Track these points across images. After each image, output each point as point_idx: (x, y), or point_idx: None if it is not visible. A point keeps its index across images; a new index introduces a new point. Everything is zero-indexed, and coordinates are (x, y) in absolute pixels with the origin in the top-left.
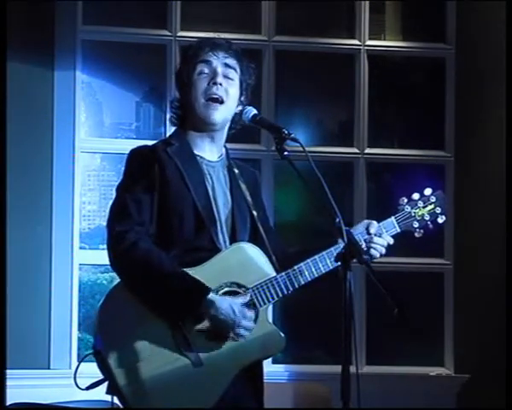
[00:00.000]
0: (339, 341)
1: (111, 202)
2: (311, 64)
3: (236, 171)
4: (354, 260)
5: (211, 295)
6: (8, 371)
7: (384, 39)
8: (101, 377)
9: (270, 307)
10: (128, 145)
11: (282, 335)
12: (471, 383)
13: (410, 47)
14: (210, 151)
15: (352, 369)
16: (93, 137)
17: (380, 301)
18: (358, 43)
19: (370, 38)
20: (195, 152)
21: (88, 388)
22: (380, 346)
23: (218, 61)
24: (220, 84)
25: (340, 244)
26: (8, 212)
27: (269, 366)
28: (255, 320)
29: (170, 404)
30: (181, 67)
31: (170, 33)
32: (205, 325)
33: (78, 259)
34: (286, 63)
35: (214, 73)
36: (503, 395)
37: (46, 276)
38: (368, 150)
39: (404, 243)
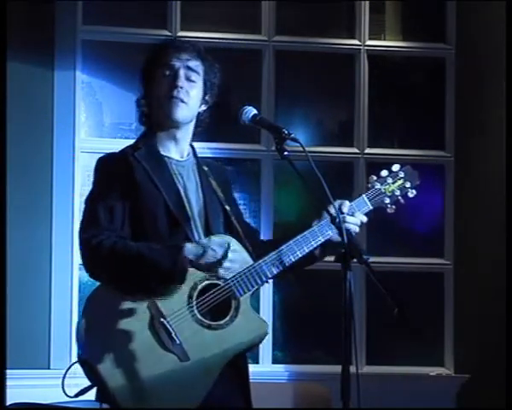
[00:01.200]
0: (339, 341)
1: (82, 213)
2: (311, 64)
3: (206, 168)
4: (354, 260)
5: (187, 245)
6: (8, 371)
7: (384, 39)
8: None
9: (270, 306)
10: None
11: (265, 321)
12: (471, 383)
13: (410, 47)
14: (176, 151)
15: (352, 369)
16: (93, 137)
17: (380, 301)
18: (358, 43)
19: (370, 38)
20: (163, 153)
21: (76, 395)
22: (380, 346)
23: (181, 63)
24: (181, 87)
25: (315, 227)
26: (9, 212)
27: (269, 366)
28: (237, 310)
29: (161, 402)
30: (145, 67)
31: (170, 33)
32: (188, 312)
33: (78, 259)
34: (286, 63)
35: (176, 76)
36: (503, 395)
37: (46, 276)
38: (368, 150)
39: (404, 243)
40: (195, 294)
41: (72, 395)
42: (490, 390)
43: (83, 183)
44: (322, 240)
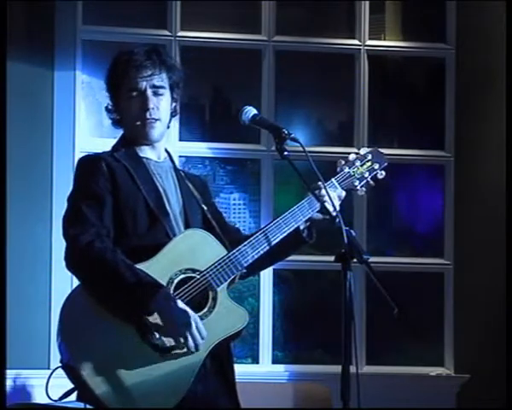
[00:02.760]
0: (339, 341)
1: (63, 213)
2: (311, 64)
3: (183, 174)
4: (354, 260)
5: (164, 296)
6: (8, 371)
7: (384, 39)
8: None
9: (270, 306)
10: None
11: (244, 310)
12: (471, 383)
13: (410, 47)
14: (153, 153)
15: (352, 369)
16: (93, 137)
17: (380, 301)
18: (358, 43)
19: (370, 38)
20: (141, 155)
21: (61, 398)
22: (380, 346)
23: (147, 83)
24: (152, 108)
25: (287, 214)
26: (9, 212)
27: (269, 366)
28: (214, 301)
29: (143, 396)
30: (109, 82)
31: (170, 33)
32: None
33: None
34: (286, 63)
35: (144, 98)
36: (503, 395)
37: (46, 276)
38: None
39: (404, 243)
40: (172, 288)
41: (56, 398)
42: (490, 390)
43: None
44: (296, 225)
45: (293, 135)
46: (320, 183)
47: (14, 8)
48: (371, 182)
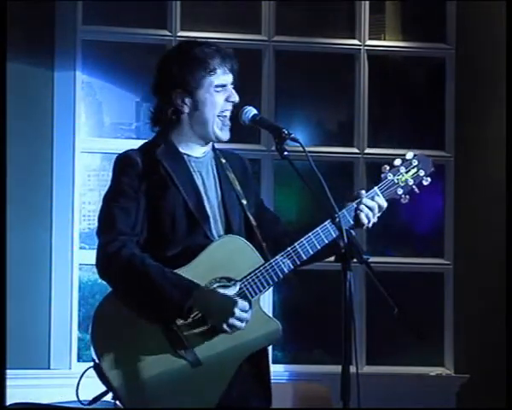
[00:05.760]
0: (339, 341)
1: (99, 211)
2: (311, 64)
3: (224, 161)
4: (354, 260)
5: (200, 289)
6: (8, 371)
7: (384, 39)
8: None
9: (270, 306)
10: (128, 145)
11: (278, 322)
12: (471, 383)
13: (410, 47)
14: (197, 149)
15: (352, 369)
16: (93, 137)
17: (380, 301)
18: (358, 43)
19: (370, 38)
20: (181, 151)
21: (90, 403)
22: (380, 346)
23: (230, 80)
24: (234, 101)
25: (326, 224)
26: (9, 212)
27: None
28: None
29: (173, 405)
30: (188, 78)
31: (170, 33)
32: (198, 322)
33: (78, 259)
34: (286, 63)
35: (229, 92)
36: (503, 395)
37: (46, 276)
38: (368, 150)
39: (404, 243)
40: None
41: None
42: (490, 390)
43: (83, 183)
44: (334, 235)
45: (293, 135)
46: (363, 191)
47: (14, 8)
48: (416, 189)
